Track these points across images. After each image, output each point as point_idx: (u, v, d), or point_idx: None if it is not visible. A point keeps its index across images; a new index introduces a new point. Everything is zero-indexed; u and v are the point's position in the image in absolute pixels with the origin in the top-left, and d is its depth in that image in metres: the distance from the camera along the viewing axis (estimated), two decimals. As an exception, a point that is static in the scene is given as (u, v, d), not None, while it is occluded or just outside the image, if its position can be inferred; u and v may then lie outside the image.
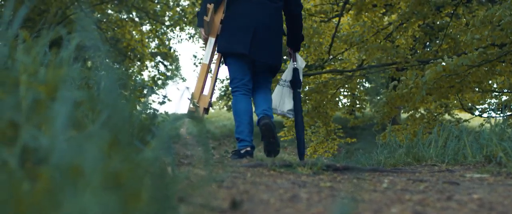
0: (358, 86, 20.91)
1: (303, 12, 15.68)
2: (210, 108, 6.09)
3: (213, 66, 6.29)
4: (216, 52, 6.14)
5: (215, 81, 6.22)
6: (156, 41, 27.61)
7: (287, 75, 6.48)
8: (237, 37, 5.81)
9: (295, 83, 6.38)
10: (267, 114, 5.80)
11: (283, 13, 6.33)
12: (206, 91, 6.03)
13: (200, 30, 6.16)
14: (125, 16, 23.64)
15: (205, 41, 6.17)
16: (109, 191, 1.11)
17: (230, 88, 6.11)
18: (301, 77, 6.39)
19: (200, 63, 6.38)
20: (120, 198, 1.12)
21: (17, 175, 1.11)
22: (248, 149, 5.60)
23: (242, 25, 5.84)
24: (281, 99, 6.35)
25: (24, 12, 1.93)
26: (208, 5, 5.86)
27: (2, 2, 16.29)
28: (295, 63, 6.49)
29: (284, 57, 21.41)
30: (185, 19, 22.73)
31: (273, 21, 6.01)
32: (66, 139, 1.14)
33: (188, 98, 5.86)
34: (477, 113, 18.47)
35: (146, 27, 25.69)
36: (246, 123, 5.72)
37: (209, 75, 6.19)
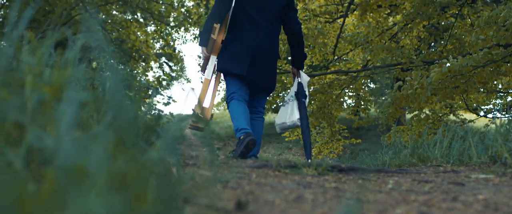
0: (363, 87, 20.93)
1: (308, 13, 15.78)
2: (211, 119, 6.41)
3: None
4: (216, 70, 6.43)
5: (214, 95, 6.46)
6: (161, 42, 27.64)
7: (292, 92, 6.75)
8: (236, 59, 6.14)
9: (299, 94, 6.57)
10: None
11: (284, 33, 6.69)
12: (207, 104, 6.32)
13: (202, 49, 6.43)
14: (129, 17, 23.67)
15: (206, 59, 6.43)
16: (114, 191, 1.11)
17: (227, 99, 6.33)
18: (306, 90, 6.64)
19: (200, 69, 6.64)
20: (126, 199, 1.13)
21: (22, 175, 1.12)
22: (248, 131, 5.59)
23: (242, 48, 6.14)
24: (290, 112, 6.55)
25: (30, 13, 1.94)
26: (215, 25, 6.09)
27: (7, 3, 16.32)
28: (299, 78, 6.76)
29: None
30: (190, 20, 22.76)
31: (271, 45, 6.35)
32: (71, 140, 1.14)
33: (192, 109, 6.05)
34: (482, 113, 18.45)
35: (151, 28, 25.73)
36: (243, 120, 5.80)
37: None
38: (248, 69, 6.08)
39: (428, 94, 9.96)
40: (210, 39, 6.17)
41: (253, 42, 6.13)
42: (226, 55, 6.21)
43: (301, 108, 6.48)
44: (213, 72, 6.38)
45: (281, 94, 20.10)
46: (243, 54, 6.10)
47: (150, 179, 1.33)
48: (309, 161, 5.26)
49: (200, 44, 6.48)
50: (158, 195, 1.30)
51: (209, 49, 6.27)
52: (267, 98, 6.66)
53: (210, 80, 6.33)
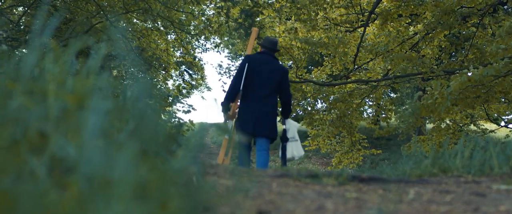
0: (383, 96, 20.89)
1: (328, 22, 15.91)
2: None
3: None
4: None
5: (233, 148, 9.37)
6: (181, 50, 27.65)
7: (288, 134, 9.46)
8: (246, 122, 8.82)
9: (282, 138, 9.18)
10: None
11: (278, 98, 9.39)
12: (228, 155, 9.02)
13: (223, 115, 9.10)
14: (150, 25, 23.66)
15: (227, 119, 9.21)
16: (137, 200, 1.11)
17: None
18: (288, 134, 9.24)
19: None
20: (148, 208, 1.13)
21: (45, 184, 1.12)
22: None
23: (249, 114, 8.74)
24: (294, 149, 9.26)
25: (55, 23, 1.94)
26: (231, 104, 8.87)
27: (28, 11, 16.41)
28: (284, 125, 9.31)
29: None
30: (210, 29, 22.72)
31: (269, 109, 8.90)
32: (95, 148, 1.14)
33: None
34: (503, 123, 18.36)
35: (171, 36, 25.69)
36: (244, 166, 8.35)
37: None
38: (253, 128, 8.67)
39: (448, 104, 9.91)
40: (227, 115, 8.97)
41: (256, 110, 8.71)
42: (240, 119, 8.82)
43: (283, 148, 9.08)
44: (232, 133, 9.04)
45: (301, 104, 20.11)
46: (250, 118, 8.69)
47: (172, 188, 1.33)
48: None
49: (222, 111, 9.06)
50: (179, 204, 1.30)
51: (227, 119, 9.03)
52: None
53: (229, 139, 9.15)
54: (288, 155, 9.23)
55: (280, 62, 10.26)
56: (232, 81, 9.08)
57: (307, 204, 2.30)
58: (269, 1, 19.47)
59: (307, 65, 24.25)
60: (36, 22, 1.96)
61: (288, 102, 9.42)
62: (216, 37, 25.63)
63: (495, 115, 18.07)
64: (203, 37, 25.84)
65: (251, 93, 8.78)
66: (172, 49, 26.49)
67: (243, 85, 8.82)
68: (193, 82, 34.95)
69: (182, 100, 32.33)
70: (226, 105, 8.87)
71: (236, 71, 9.44)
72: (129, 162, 1.12)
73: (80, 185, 1.09)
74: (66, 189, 1.15)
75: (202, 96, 61.40)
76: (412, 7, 14.80)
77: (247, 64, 8.90)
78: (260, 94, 8.82)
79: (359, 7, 16.69)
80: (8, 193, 1.07)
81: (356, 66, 17.65)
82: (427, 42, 15.83)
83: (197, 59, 29.85)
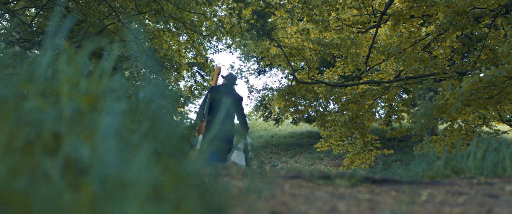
0: (395, 97, 20.87)
1: (340, 23, 16.12)
2: None
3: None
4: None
5: None
6: (193, 51, 27.68)
7: (241, 145, 11.36)
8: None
9: (245, 150, 11.04)
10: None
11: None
12: None
13: (195, 131, 11.09)
14: (162, 27, 23.67)
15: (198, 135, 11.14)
16: (151, 202, 1.11)
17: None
18: (249, 147, 11.06)
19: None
20: (162, 210, 1.13)
21: (59, 185, 1.12)
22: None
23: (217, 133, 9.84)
24: (241, 159, 11.03)
25: (70, 25, 1.95)
26: (199, 122, 10.98)
27: (41, 13, 16.44)
28: (245, 140, 11.34)
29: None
30: (222, 30, 22.72)
31: (231, 128, 9.96)
32: (110, 150, 1.15)
33: None
34: (515, 124, 18.26)
35: (183, 37, 25.71)
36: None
37: None
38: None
39: (459, 105, 9.88)
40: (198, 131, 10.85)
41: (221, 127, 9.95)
42: (207, 134, 10.07)
43: (246, 158, 10.88)
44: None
45: (313, 105, 20.13)
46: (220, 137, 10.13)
47: (186, 190, 1.33)
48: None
49: (194, 129, 11.00)
50: (193, 206, 1.30)
51: (198, 135, 10.64)
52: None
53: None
54: (234, 159, 11.08)
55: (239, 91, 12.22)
56: (200, 106, 11.32)
57: (319, 205, 2.30)
58: (281, 2, 19.48)
59: (319, 66, 24.25)
60: (50, 23, 1.97)
61: (245, 122, 11.42)
62: (228, 38, 25.64)
63: (508, 116, 18.05)
64: (215, 38, 25.87)
65: (215, 115, 10.68)
66: (184, 50, 26.54)
67: (209, 109, 11.08)
68: (205, 83, 34.99)
69: (194, 101, 32.48)
70: (196, 125, 11.08)
71: (202, 99, 11.54)
72: (143, 163, 1.13)
73: (94, 187, 1.09)
74: (80, 191, 1.15)
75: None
76: (424, 8, 14.78)
77: (210, 93, 11.20)
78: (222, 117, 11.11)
79: (371, 8, 16.70)
80: (22, 195, 1.08)
81: (368, 67, 17.65)
82: (439, 43, 15.80)
83: (209, 60, 29.87)
